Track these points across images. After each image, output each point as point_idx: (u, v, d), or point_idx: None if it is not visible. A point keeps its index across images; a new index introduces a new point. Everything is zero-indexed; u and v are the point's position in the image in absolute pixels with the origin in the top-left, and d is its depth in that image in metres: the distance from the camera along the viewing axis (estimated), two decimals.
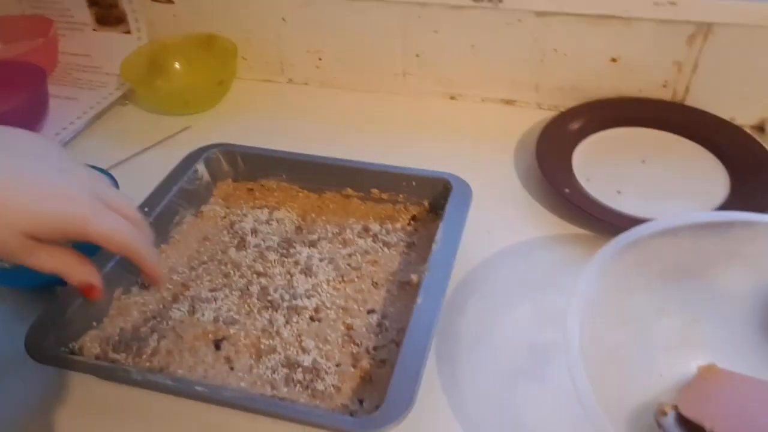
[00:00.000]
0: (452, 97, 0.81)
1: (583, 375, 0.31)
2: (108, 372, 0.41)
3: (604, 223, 0.55)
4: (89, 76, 0.82)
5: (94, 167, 0.57)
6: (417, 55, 0.78)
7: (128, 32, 0.83)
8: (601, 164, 0.64)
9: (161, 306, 0.50)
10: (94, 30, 0.84)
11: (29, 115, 0.69)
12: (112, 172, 0.61)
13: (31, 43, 0.82)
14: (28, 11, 0.86)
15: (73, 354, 0.44)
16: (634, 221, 0.54)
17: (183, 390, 0.40)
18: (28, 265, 0.34)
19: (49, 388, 0.45)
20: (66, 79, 0.82)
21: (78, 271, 0.35)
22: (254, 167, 0.62)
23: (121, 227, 0.35)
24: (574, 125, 0.69)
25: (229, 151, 0.62)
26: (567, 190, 0.58)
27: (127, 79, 0.75)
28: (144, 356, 0.45)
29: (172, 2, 0.81)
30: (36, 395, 0.45)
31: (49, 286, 0.53)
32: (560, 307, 0.50)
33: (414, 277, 0.48)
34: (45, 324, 0.43)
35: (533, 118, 0.75)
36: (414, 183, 0.57)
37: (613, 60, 0.70)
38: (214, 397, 0.39)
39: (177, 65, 0.82)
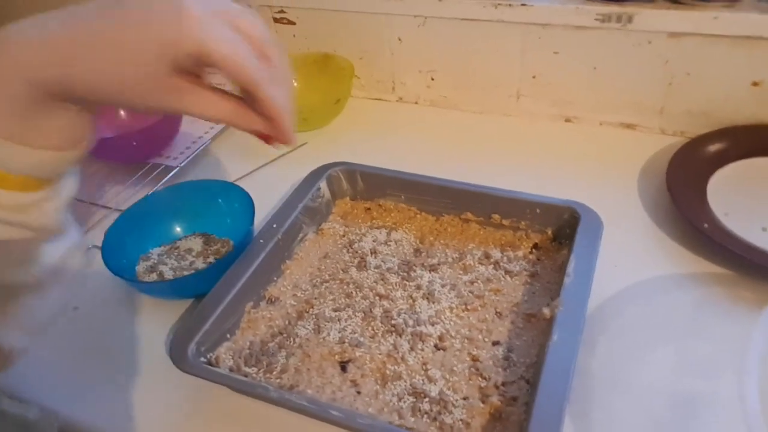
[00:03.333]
0: (567, 120, 0.78)
1: None
2: (248, 387, 0.43)
3: (749, 263, 0.51)
4: None
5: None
6: (533, 77, 0.76)
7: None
8: (741, 197, 0.59)
9: (287, 322, 0.51)
10: None
11: (166, 130, 0.74)
12: (238, 186, 0.63)
13: None
14: None
15: (210, 364, 0.46)
16: None
17: (317, 412, 0.40)
18: (185, 111, 0.31)
19: (185, 395, 0.48)
20: None
21: (246, 117, 0.32)
22: (373, 187, 0.62)
23: (233, 43, 0.29)
24: (709, 153, 0.64)
25: (350, 170, 0.63)
26: (706, 225, 0.54)
27: None
28: (274, 373, 0.46)
29: (294, 23, 0.84)
30: (172, 400, 0.48)
31: (186, 297, 0.56)
32: (703, 354, 0.47)
33: (546, 312, 0.47)
34: (186, 334, 0.45)
35: (656, 143, 0.71)
36: (538, 210, 0.55)
37: (755, 84, 0.65)
38: (348, 423, 0.39)
39: (294, 83, 0.85)
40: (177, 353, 0.44)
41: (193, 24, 0.28)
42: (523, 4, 0.70)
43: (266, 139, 0.34)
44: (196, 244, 0.61)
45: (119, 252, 0.57)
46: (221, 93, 0.31)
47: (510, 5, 0.70)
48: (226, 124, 0.33)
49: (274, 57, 0.32)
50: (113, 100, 0.30)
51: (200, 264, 0.58)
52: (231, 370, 0.46)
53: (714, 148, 0.65)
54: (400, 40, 0.80)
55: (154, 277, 0.57)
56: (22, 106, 0.28)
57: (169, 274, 0.57)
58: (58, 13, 0.29)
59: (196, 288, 0.54)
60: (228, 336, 0.49)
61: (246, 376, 0.45)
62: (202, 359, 0.45)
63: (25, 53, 0.28)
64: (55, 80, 0.29)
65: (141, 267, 0.58)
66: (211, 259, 0.59)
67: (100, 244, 0.56)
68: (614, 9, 0.66)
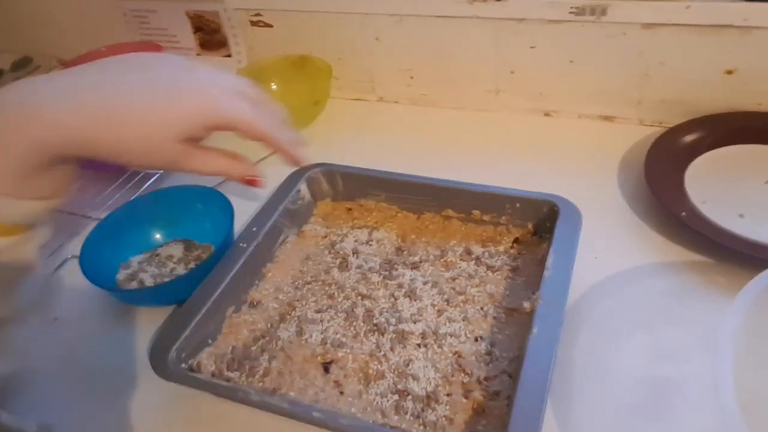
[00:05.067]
0: (546, 114, 0.78)
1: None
2: (228, 392, 0.42)
3: (727, 249, 0.51)
4: None
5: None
6: (511, 72, 0.76)
7: (229, 56, 0.87)
8: (718, 185, 0.60)
9: (269, 325, 0.51)
10: (197, 54, 0.89)
11: None
12: (218, 189, 0.63)
13: None
14: (138, 38, 0.92)
15: (192, 371, 0.45)
16: (763, 248, 0.51)
17: (299, 414, 0.40)
18: (189, 170, 0.36)
19: (169, 403, 0.47)
20: None
21: (237, 168, 0.38)
22: (353, 187, 0.62)
23: (249, 110, 0.36)
24: (686, 142, 0.65)
25: (329, 171, 0.63)
26: (684, 214, 0.55)
27: None
28: (257, 376, 0.46)
29: (271, 26, 0.84)
30: (157, 409, 0.47)
31: (166, 304, 0.55)
32: (680, 341, 0.47)
33: (526, 305, 0.47)
34: (166, 341, 0.45)
35: (635, 134, 0.72)
36: (518, 205, 0.56)
37: (729, 72, 0.66)
38: (330, 423, 0.39)
39: (273, 86, 0.85)
40: (157, 360, 0.44)
41: (221, 102, 0.34)
42: (498, 0, 0.70)
43: (252, 183, 0.40)
44: (176, 250, 0.61)
45: (98, 261, 0.56)
46: (215, 152, 0.37)
47: (485, 1, 0.71)
48: (220, 175, 0.39)
49: (273, 110, 0.39)
50: (126, 162, 0.34)
51: (181, 270, 0.58)
52: (213, 375, 0.46)
53: (690, 137, 0.65)
54: (377, 39, 0.80)
55: (134, 285, 0.57)
56: (28, 168, 0.31)
57: (149, 282, 0.56)
58: (84, 76, 0.32)
59: (177, 295, 0.54)
60: (209, 341, 0.48)
61: (228, 381, 0.45)
62: (183, 365, 0.45)
63: (50, 127, 0.30)
64: (77, 152, 0.31)
65: (121, 275, 0.58)
66: (191, 265, 0.58)
67: (79, 254, 0.55)
68: (588, 2, 0.66)
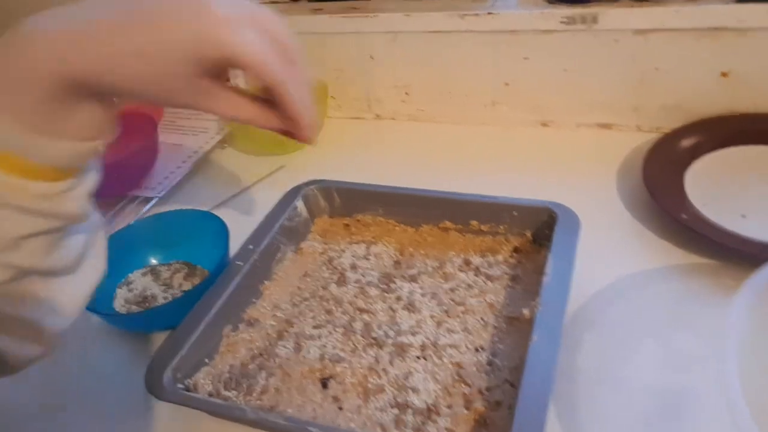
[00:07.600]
0: (544, 124, 0.78)
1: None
2: (224, 410, 0.42)
3: (731, 250, 0.50)
4: (191, 123, 0.87)
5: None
6: (506, 84, 0.77)
7: (227, 80, 0.87)
8: (718, 187, 0.59)
9: (267, 343, 0.50)
10: None
11: (143, 160, 0.74)
12: (216, 212, 0.63)
13: None
14: None
15: (188, 391, 0.45)
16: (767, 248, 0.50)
17: (297, 431, 0.39)
18: (213, 111, 0.32)
19: (166, 424, 0.47)
20: (171, 127, 0.87)
21: (270, 119, 0.33)
22: (350, 202, 0.62)
23: (261, 45, 0.30)
24: (684, 146, 0.64)
25: (326, 188, 0.62)
26: (684, 216, 0.54)
27: (228, 124, 0.79)
28: (254, 394, 0.45)
29: None
30: (154, 430, 0.47)
31: (162, 329, 0.55)
32: (689, 345, 0.46)
33: (526, 312, 0.46)
34: (162, 361, 0.45)
35: (633, 141, 0.71)
36: (515, 213, 0.55)
37: (724, 75, 0.66)
38: None
39: None
40: (152, 381, 0.43)
41: (220, 27, 0.28)
42: (489, 13, 0.71)
43: (290, 135, 0.34)
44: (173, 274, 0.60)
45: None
46: (245, 95, 0.33)
47: (476, 15, 0.71)
48: (248, 123, 0.34)
49: (298, 60, 0.32)
50: (142, 97, 0.30)
51: (177, 293, 0.58)
52: (210, 395, 0.45)
53: (688, 141, 0.65)
54: (372, 57, 0.81)
55: (132, 308, 0.56)
56: (47, 100, 0.28)
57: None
58: (80, 7, 0.29)
59: (172, 319, 0.53)
60: (206, 361, 0.48)
61: (226, 400, 0.44)
62: (180, 386, 0.44)
63: (53, 48, 0.28)
64: (83, 75, 0.28)
65: (118, 302, 0.58)
66: (188, 288, 0.58)
67: None
68: (578, 11, 0.67)
